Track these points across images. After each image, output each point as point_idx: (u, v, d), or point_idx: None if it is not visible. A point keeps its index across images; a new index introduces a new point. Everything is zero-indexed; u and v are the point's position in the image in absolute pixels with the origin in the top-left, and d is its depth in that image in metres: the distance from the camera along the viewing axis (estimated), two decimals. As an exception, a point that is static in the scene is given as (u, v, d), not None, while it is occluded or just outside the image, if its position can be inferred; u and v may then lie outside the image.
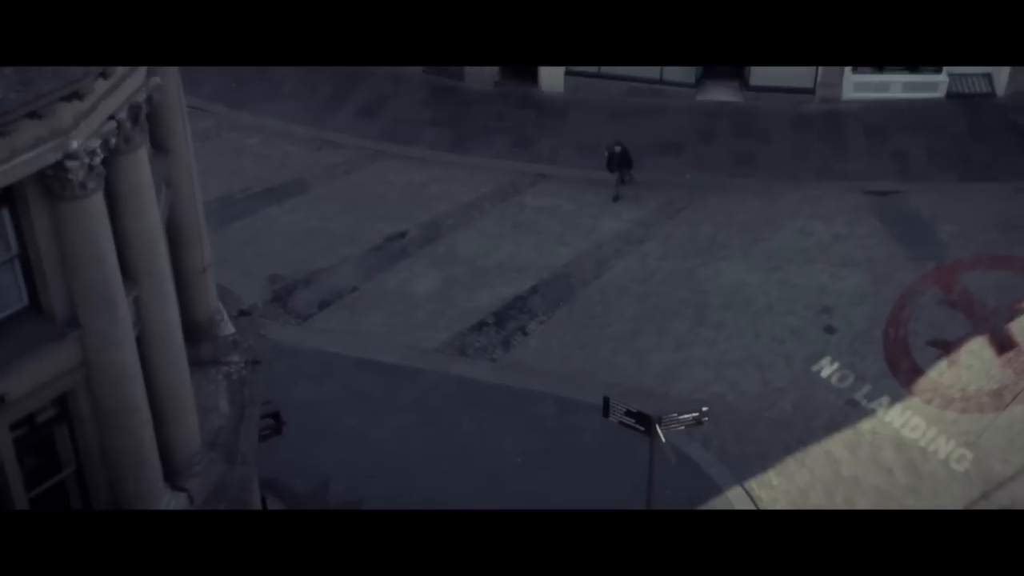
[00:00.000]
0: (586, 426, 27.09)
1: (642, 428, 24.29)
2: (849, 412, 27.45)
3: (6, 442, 16.59)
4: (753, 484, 26.14)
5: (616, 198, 33.58)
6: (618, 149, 33.31)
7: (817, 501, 25.67)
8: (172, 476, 18.80)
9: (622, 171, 33.60)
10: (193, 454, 19.04)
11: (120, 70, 15.46)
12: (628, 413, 24.40)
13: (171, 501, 18.56)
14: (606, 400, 24.66)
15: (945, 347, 28.73)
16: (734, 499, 25.80)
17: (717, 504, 25.66)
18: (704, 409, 24.58)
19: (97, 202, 15.78)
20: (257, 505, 22.98)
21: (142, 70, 16.10)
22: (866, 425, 27.15)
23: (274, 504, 25.24)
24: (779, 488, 26.02)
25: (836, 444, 26.80)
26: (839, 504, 25.54)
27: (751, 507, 25.62)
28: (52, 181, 15.28)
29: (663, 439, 24.11)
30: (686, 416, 24.47)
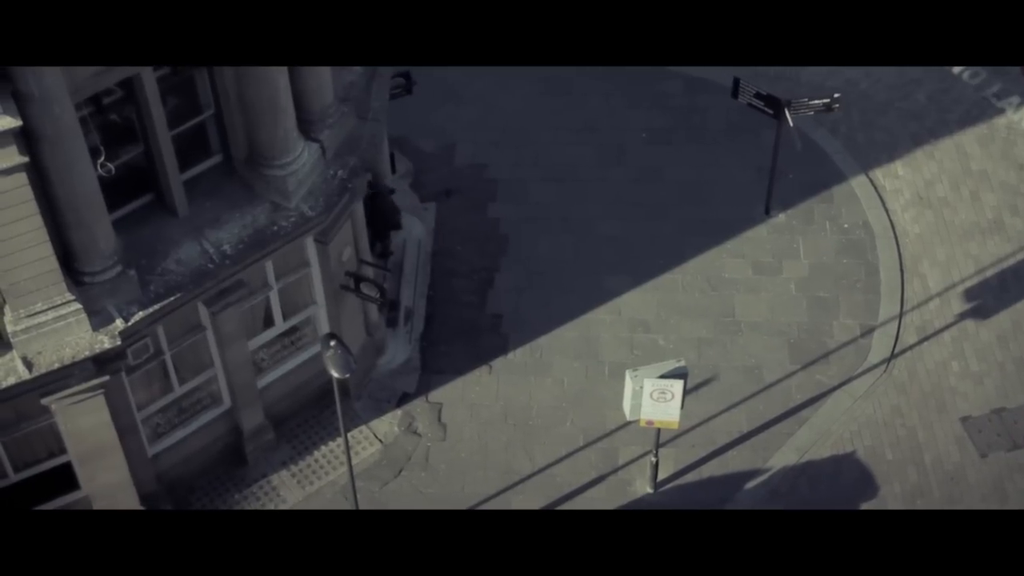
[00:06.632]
0: (714, 106, 26.94)
1: (771, 111, 24.13)
2: (985, 107, 26.85)
3: (150, 80, 17.13)
4: (878, 173, 25.99)
5: None
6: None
7: (942, 193, 25.50)
8: (306, 127, 19.29)
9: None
10: (326, 106, 19.45)
11: None
12: (758, 95, 24.19)
13: (305, 150, 19.10)
14: (736, 81, 24.43)
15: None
16: (857, 187, 25.72)
17: (839, 191, 25.62)
18: (836, 95, 24.27)
19: None
20: (386, 161, 23.55)
21: None
22: (1001, 121, 26.59)
23: (401, 161, 25.77)
24: (904, 179, 25.85)
25: (968, 138, 26.37)
26: (964, 197, 25.35)
27: (874, 195, 25.53)
28: None
29: (791, 123, 23.96)
30: (817, 101, 24.21)
